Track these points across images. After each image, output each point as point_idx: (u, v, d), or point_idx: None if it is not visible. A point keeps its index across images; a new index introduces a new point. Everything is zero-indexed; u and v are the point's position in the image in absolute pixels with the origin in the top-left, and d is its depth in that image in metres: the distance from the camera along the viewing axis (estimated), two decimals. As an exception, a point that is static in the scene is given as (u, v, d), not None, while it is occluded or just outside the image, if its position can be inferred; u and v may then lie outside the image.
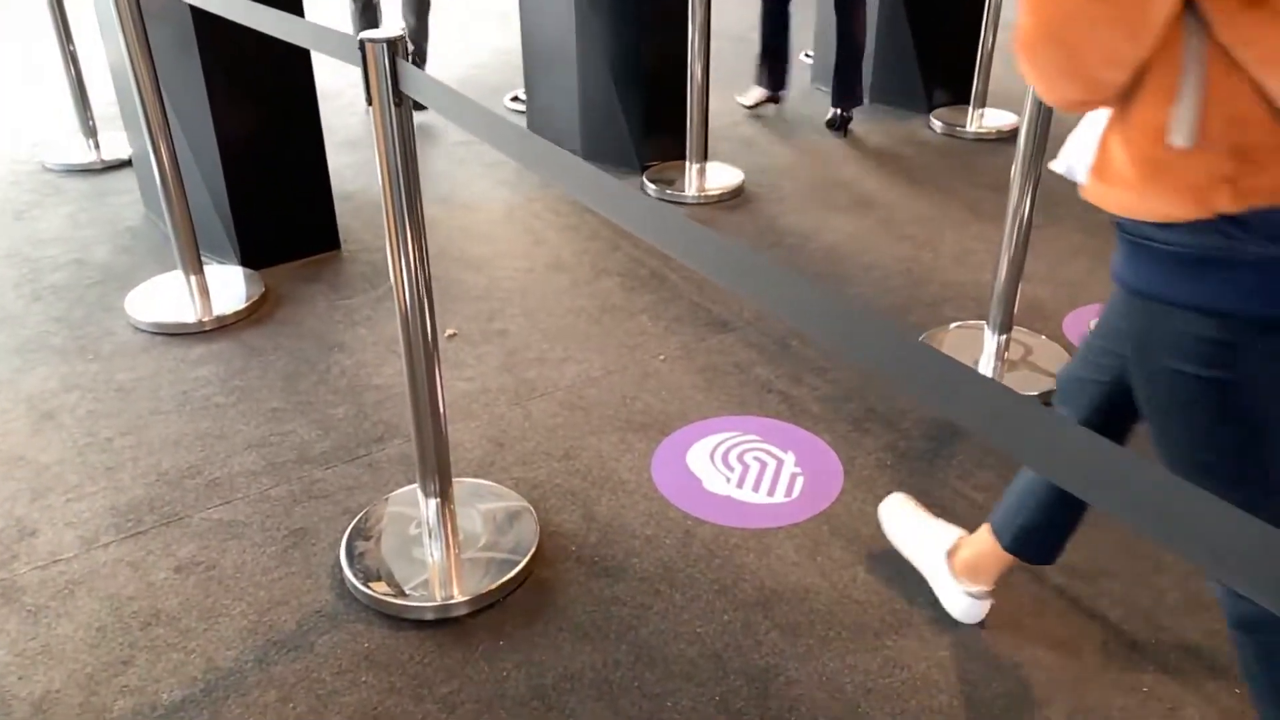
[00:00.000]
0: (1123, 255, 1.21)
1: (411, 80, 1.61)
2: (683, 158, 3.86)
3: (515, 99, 4.76)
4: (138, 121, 2.76)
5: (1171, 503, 0.67)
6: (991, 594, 1.80)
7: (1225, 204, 1.07)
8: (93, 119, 3.97)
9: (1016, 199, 2.48)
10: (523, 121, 4.41)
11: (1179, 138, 1.05)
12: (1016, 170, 2.46)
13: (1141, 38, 1.02)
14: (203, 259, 2.92)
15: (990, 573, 1.78)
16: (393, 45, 1.60)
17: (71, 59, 3.92)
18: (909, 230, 3.41)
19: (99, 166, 3.86)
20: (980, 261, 3.18)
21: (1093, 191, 1.19)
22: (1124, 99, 1.10)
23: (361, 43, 1.60)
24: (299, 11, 2.92)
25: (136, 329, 2.76)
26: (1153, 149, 1.09)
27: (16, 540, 2.00)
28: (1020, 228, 2.50)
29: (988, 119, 4.34)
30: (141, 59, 2.60)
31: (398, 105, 1.63)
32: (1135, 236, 1.17)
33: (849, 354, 0.95)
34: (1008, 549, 1.69)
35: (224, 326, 2.77)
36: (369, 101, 1.64)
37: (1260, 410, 1.19)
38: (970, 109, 4.33)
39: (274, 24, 1.91)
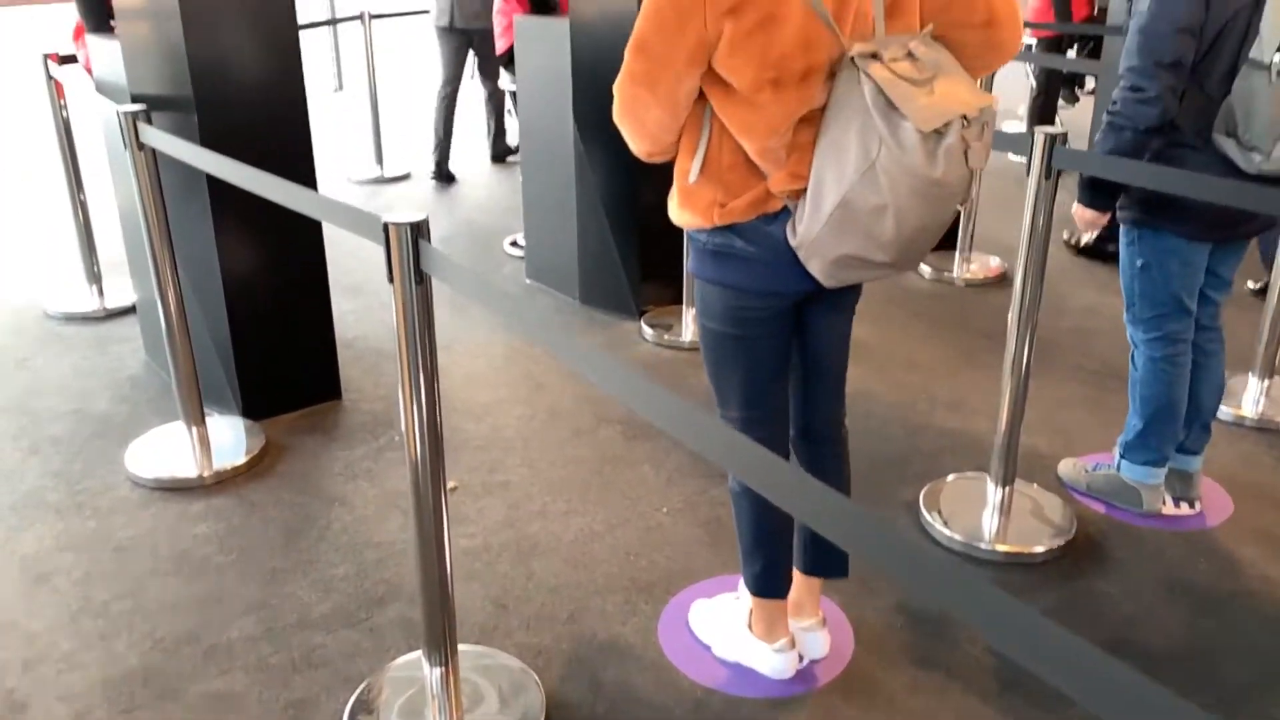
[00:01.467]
0: (689, 252, 1.84)
1: (433, 260, 1.65)
2: (679, 302, 3.93)
3: (514, 243, 4.87)
4: (144, 267, 2.80)
5: (1141, 700, 0.71)
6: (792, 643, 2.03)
7: (717, 219, 1.71)
8: (98, 265, 4.03)
9: (1015, 348, 2.52)
10: (522, 266, 4.51)
11: (692, 176, 1.72)
12: (1013, 319, 2.51)
13: (676, 114, 1.67)
14: (204, 409, 2.92)
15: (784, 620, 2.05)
16: (416, 228, 1.65)
17: (81, 207, 4.01)
18: (904, 377, 3.46)
19: (101, 314, 3.89)
20: (976, 409, 3.22)
21: (670, 211, 1.81)
22: (676, 152, 1.75)
23: (385, 225, 1.65)
24: (312, 171, 3.01)
25: (136, 484, 2.74)
26: (684, 182, 1.74)
27: (6, 714, 1.93)
28: (1019, 378, 2.53)
29: (975, 264, 4.47)
30: (154, 209, 2.65)
31: (419, 284, 1.67)
32: (691, 238, 1.81)
33: (829, 532, 1.00)
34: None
35: (224, 481, 2.75)
36: (390, 279, 1.68)
37: (756, 352, 1.83)
38: (957, 254, 4.45)
39: (297, 199, 1.97)
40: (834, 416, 2.03)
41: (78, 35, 3.69)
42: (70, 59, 3.83)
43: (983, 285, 4.36)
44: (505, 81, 4.82)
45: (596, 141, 3.85)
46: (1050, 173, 2.34)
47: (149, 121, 2.58)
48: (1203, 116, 2.24)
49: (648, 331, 3.82)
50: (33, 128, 7.11)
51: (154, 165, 2.63)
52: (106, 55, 3.12)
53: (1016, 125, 7.32)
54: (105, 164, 3.35)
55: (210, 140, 2.75)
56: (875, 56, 1.54)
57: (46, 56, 3.81)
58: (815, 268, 1.67)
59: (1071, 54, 6.62)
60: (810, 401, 1.99)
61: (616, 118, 1.72)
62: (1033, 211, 2.39)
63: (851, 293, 1.91)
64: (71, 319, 3.88)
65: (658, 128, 1.69)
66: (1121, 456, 2.65)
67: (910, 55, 1.56)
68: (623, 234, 3.93)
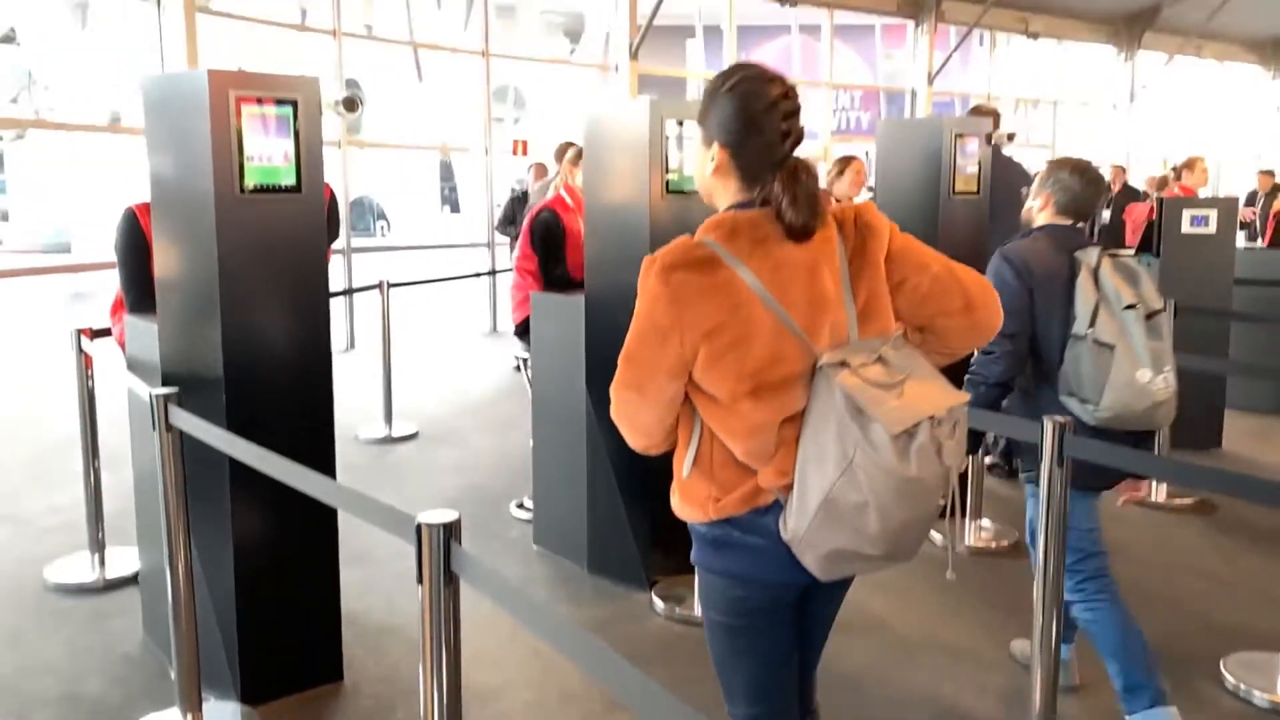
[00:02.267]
0: (692, 542, 1.88)
1: (464, 562, 1.65)
2: (691, 572, 3.86)
3: (521, 505, 4.87)
4: (154, 540, 2.76)
5: None
6: None
7: (713, 513, 1.78)
8: (103, 534, 3.99)
9: (1043, 625, 2.48)
10: (529, 530, 4.48)
11: (684, 472, 1.82)
12: (1038, 600, 2.48)
13: (665, 415, 1.80)
14: (201, 694, 2.79)
15: None
16: (448, 529, 1.66)
17: (95, 474, 4.02)
18: (926, 656, 3.35)
19: (100, 585, 3.81)
20: (1003, 692, 3.10)
21: (671, 503, 1.88)
22: (671, 446, 1.86)
23: (419, 526, 1.66)
24: (331, 447, 3.05)
25: (122, 781, 2.58)
26: (680, 477, 1.84)
27: None
28: (1050, 658, 2.47)
29: (985, 533, 4.45)
30: (176, 488, 2.66)
31: (448, 585, 1.66)
32: (692, 529, 1.86)
33: None
34: None
35: (216, 777, 2.59)
36: (419, 580, 1.67)
37: (760, 645, 1.87)
38: (967, 522, 4.45)
39: (328, 493, 1.99)
40: (811, 702, 2.07)
41: (115, 310, 3.85)
42: (104, 332, 3.98)
43: (994, 554, 4.32)
44: (519, 349, 5.00)
45: (609, 410, 3.94)
46: (1062, 461, 2.39)
47: (179, 404, 2.65)
48: (1052, 381, 2.77)
49: (659, 604, 3.74)
50: (49, 393, 7.27)
51: (180, 446, 2.67)
52: (142, 334, 3.25)
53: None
54: (120, 429, 3.39)
55: (237, 419, 2.81)
56: (844, 364, 1.66)
57: (79, 331, 3.96)
58: (809, 562, 1.72)
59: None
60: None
61: (613, 416, 1.86)
62: (1048, 497, 2.42)
63: (847, 584, 1.96)
64: (70, 590, 3.79)
65: (648, 427, 1.82)
66: (1128, 714, 2.72)
67: (881, 360, 1.68)
68: (634, 502, 3.94)
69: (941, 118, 4.88)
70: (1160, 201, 6.12)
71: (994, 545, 4.37)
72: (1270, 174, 11.95)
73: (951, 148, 4.48)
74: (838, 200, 5.57)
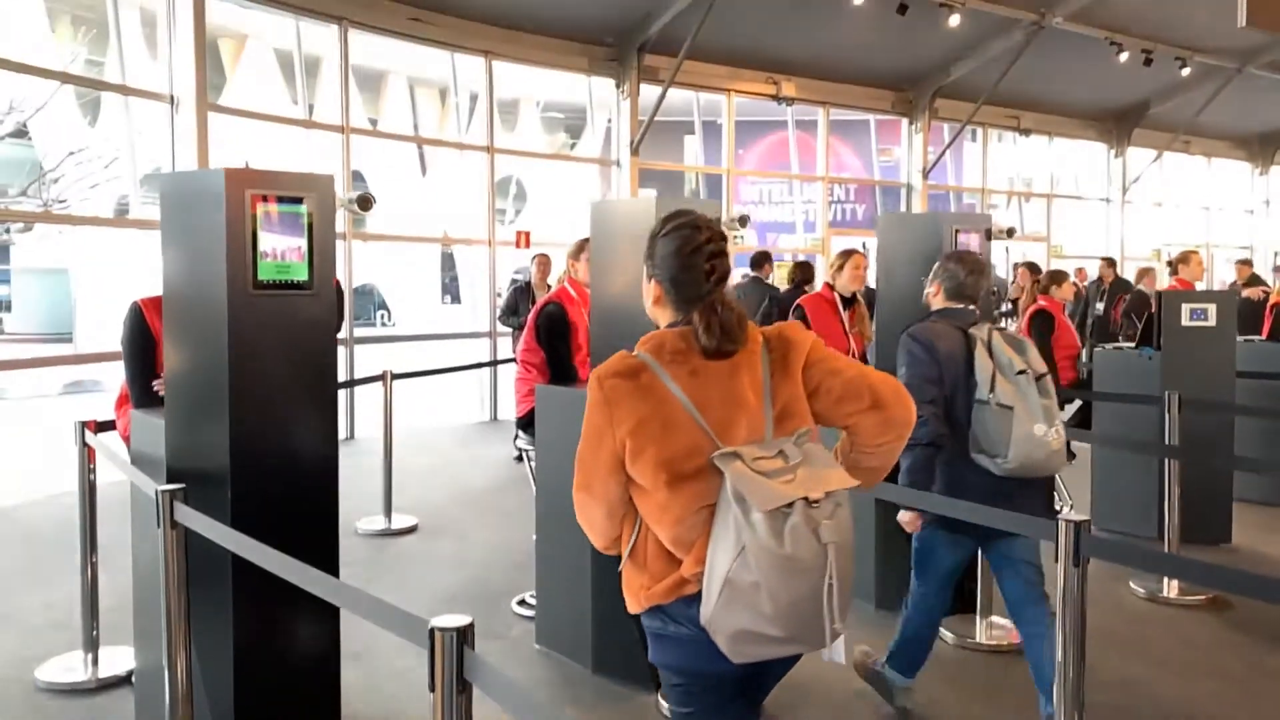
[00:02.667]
0: None
1: (477, 668, 1.61)
2: (696, 672, 3.78)
3: (522, 602, 4.78)
4: (152, 638, 2.70)
5: None
6: None
7: (644, 601, 1.96)
8: (97, 630, 3.91)
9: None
10: (531, 628, 4.39)
11: (623, 561, 2.01)
12: (1059, 697, 2.42)
13: (612, 513, 2.00)
14: (194, 803, 2.70)
15: None
16: (462, 634, 1.63)
17: (91, 569, 3.95)
18: (940, 761, 3.25)
19: (93, 685, 3.72)
20: (1023, 800, 3.00)
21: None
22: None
23: (431, 630, 1.63)
24: (334, 542, 3.02)
25: None
26: (623, 566, 2.02)
27: None
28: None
29: (996, 630, 4.36)
30: (177, 586, 2.64)
31: (460, 693, 1.62)
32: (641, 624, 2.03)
33: None
34: None
35: None
36: (431, 687, 1.63)
37: None
38: (978, 619, 4.36)
39: (340, 595, 1.96)
40: None
41: (120, 404, 3.84)
42: (108, 424, 3.96)
43: (1007, 652, 4.22)
44: (523, 441, 4.98)
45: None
46: (1079, 561, 2.36)
47: (185, 501, 2.63)
48: (964, 443, 3.19)
49: (665, 706, 3.63)
50: (44, 485, 7.21)
51: (184, 542, 2.64)
52: (147, 429, 3.24)
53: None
54: (115, 523, 3.34)
55: (242, 515, 2.78)
56: (736, 456, 1.84)
57: (84, 424, 3.94)
58: (721, 643, 1.85)
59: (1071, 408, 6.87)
60: None
61: (577, 519, 2.06)
62: (1064, 600, 2.38)
63: (790, 664, 2.06)
64: (61, 691, 3.69)
65: (603, 526, 2.03)
66: (886, 660, 3.47)
67: (781, 453, 1.86)
68: (638, 600, 3.87)
69: (940, 213, 4.96)
70: (1140, 294, 6.18)
71: (1007, 643, 4.28)
72: (1248, 263, 12.12)
73: (951, 242, 4.54)
74: (839, 294, 5.60)
